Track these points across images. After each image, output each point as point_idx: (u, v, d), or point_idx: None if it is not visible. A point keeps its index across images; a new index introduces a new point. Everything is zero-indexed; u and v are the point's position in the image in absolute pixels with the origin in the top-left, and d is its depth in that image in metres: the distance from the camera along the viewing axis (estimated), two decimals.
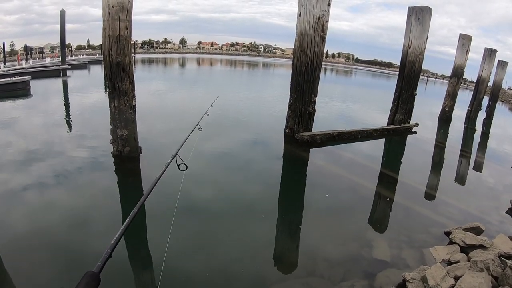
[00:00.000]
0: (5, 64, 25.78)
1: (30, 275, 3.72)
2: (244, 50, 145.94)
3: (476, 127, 18.25)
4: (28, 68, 24.72)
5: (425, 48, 12.73)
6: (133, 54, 7.96)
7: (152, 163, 7.42)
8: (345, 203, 6.51)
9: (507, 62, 23.94)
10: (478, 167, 10.36)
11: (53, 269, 3.86)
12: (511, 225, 6.03)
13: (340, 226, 5.61)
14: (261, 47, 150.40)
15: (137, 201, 2.22)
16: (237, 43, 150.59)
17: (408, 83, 12.85)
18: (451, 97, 17.68)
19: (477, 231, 5.13)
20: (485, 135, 16.67)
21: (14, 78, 16.91)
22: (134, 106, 7.22)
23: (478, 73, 20.68)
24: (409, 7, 12.55)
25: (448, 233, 5.17)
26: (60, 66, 26.96)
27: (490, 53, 19.98)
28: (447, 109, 17.74)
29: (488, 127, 19.25)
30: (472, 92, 21.65)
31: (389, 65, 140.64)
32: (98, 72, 32.22)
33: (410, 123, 13.29)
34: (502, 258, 4.12)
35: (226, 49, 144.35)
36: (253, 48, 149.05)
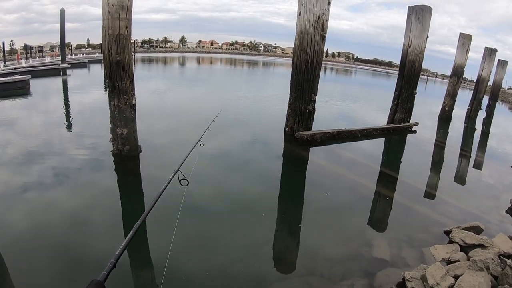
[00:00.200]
0: (5, 63, 25.77)
1: (30, 275, 3.72)
2: (244, 49, 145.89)
3: (476, 126, 18.24)
4: (28, 67, 24.73)
5: (425, 47, 12.71)
6: (132, 53, 7.95)
7: (152, 162, 7.42)
8: (345, 202, 6.51)
9: (507, 62, 23.96)
10: (478, 166, 10.36)
11: (53, 269, 3.86)
12: (511, 224, 6.03)
13: (340, 225, 5.61)
14: (261, 46, 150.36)
15: (139, 210, 2.21)
16: (237, 42, 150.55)
17: (408, 82, 12.83)
18: (451, 96, 17.68)
19: (477, 230, 5.13)
20: (485, 134, 16.67)
21: (14, 77, 16.91)
22: (134, 105, 7.21)
23: (478, 73, 20.69)
24: (409, 6, 12.54)
25: (448, 232, 5.17)
26: (60, 65, 26.97)
27: (490, 53, 19.97)
28: (447, 108, 17.74)
29: (488, 126, 19.24)
30: (472, 91, 21.64)
31: (389, 64, 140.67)
32: (98, 71, 32.23)
33: (410, 122, 13.28)
34: (502, 257, 4.13)
35: (226, 48, 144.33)
36: (253, 47, 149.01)
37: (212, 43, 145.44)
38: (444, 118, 17.52)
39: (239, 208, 5.86)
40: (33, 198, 5.57)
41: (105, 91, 16.92)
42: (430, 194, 7.38)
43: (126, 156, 7.29)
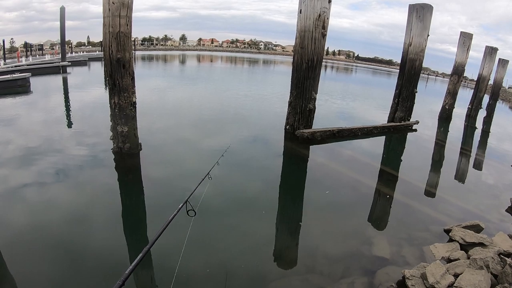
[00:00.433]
0: (5, 61, 25.70)
1: (31, 273, 3.73)
2: (245, 47, 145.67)
3: (476, 125, 18.22)
4: (28, 65, 24.70)
5: (425, 46, 12.70)
6: (133, 51, 7.94)
7: (153, 160, 7.43)
8: (345, 200, 6.52)
9: (508, 61, 23.96)
10: (478, 165, 10.36)
11: (53, 268, 3.87)
12: (510, 223, 6.04)
13: (340, 223, 5.62)
14: (261, 44, 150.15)
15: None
16: (237, 40, 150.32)
17: (409, 80, 12.83)
18: (452, 95, 17.66)
19: (477, 229, 5.14)
20: (485, 133, 16.65)
21: (14, 75, 16.90)
22: (135, 102, 7.22)
23: (478, 71, 20.66)
24: (410, 5, 12.52)
25: (448, 231, 5.18)
26: (60, 63, 26.91)
27: (490, 52, 19.95)
28: (447, 107, 17.72)
29: (488, 125, 19.22)
30: (473, 90, 21.61)
31: (389, 62, 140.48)
32: (98, 69, 32.20)
33: (411, 120, 13.29)
34: (502, 256, 4.13)
35: (227, 46, 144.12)
36: (253, 45, 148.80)
37: (212, 41, 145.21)
38: (445, 117, 17.50)
39: (240, 205, 5.88)
40: (33, 196, 5.58)
41: (106, 89, 16.94)
42: (430, 192, 7.39)
43: (127, 154, 7.30)
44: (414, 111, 13.39)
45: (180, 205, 2.59)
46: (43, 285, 3.61)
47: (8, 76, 16.76)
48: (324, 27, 9.31)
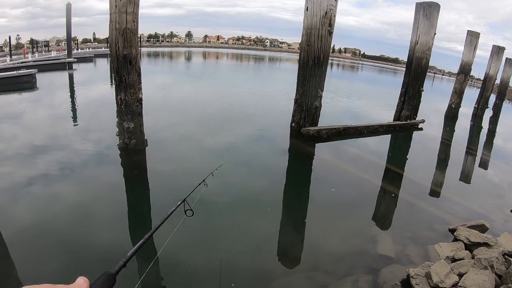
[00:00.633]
0: (11, 57, 25.85)
1: (36, 267, 3.77)
2: (250, 44, 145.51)
3: (482, 125, 18.11)
4: (34, 61, 24.79)
5: (432, 44, 12.64)
6: (139, 48, 7.97)
7: (158, 156, 7.46)
8: (350, 198, 6.52)
9: None
10: (484, 165, 10.31)
11: (58, 261, 3.90)
12: None
13: (344, 221, 5.62)
14: (267, 41, 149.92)
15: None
16: (243, 37, 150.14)
17: (415, 79, 12.78)
18: (458, 94, 17.56)
19: (482, 229, 5.12)
20: (492, 133, 16.55)
21: (20, 71, 16.98)
22: (141, 99, 7.24)
23: (485, 71, 20.51)
24: (417, 3, 12.45)
25: (452, 230, 5.17)
26: (66, 59, 27.04)
27: (498, 51, 19.79)
28: (453, 106, 17.63)
29: (495, 125, 19.10)
30: (479, 89, 21.47)
31: (395, 61, 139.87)
32: (104, 66, 32.31)
33: (416, 119, 13.23)
34: (506, 257, 4.12)
35: (232, 43, 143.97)
36: (259, 42, 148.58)
37: (218, 38, 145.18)
38: (451, 116, 17.41)
39: (245, 202, 5.89)
40: (39, 191, 5.62)
41: (111, 85, 17.00)
42: (435, 191, 7.37)
43: (132, 150, 7.33)
44: (420, 110, 13.34)
45: (178, 203, 2.57)
46: (48, 276, 3.65)
47: (15, 72, 16.86)
48: (331, 25, 9.29)
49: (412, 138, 12.25)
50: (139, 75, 7.16)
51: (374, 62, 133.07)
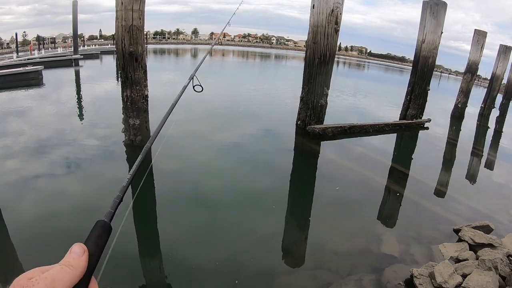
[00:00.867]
0: (17, 54, 25.95)
1: (41, 259, 3.80)
2: (257, 41, 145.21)
3: (489, 124, 17.98)
4: (40, 58, 24.90)
5: (439, 43, 12.55)
6: (145, 45, 7.99)
7: (164, 153, 7.48)
8: (355, 197, 6.52)
9: None
10: (490, 165, 10.26)
11: (62, 253, 3.93)
12: None
13: (349, 220, 5.63)
14: (273, 39, 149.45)
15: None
16: (249, 35, 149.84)
17: (422, 78, 12.71)
18: (465, 93, 17.44)
19: (487, 229, 5.10)
20: (498, 133, 16.43)
21: (26, 68, 17.07)
22: (147, 96, 7.28)
23: (492, 70, 20.33)
24: (424, 1, 12.35)
25: (457, 231, 5.15)
26: (72, 56, 27.12)
27: (505, 50, 19.60)
28: (460, 106, 17.51)
29: (501, 125, 18.94)
30: (486, 89, 21.30)
31: (402, 59, 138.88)
32: (110, 62, 32.41)
33: (423, 118, 13.16)
34: (511, 258, 4.10)
35: (239, 41, 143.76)
36: (265, 39, 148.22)
37: (224, 35, 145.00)
38: (457, 116, 17.30)
39: (250, 200, 5.92)
40: (45, 186, 5.68)
41: (117, 82, 17.06)
42: (440, 191, 7.34)
43: (138, 147, 7.36)
44: (426, 109, 13.26)
45: (187, 82, 2.35)
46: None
47: (21, 69, 16.94)
48: (337, 23, 9.25)
49: (418, 137, 12.19)
50: (145, 72, 7.19)
51: (380, 60, 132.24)
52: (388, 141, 11.27)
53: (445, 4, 12.09)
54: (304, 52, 10.46)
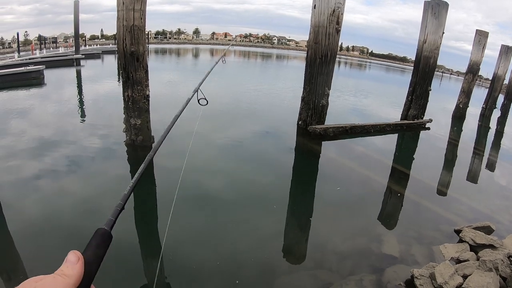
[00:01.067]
0: (19, 53, 25.99)
1: (41, 260, 3.81)
2: (258, 41, 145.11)
3: (490, 125, 17.94)
4: (42, 57, 24.94)
5: (440, 43, 12.53)
6: (146, 45, 8.00)
7: (165, 152, 7.48)
8: (356, 197, 6.52)
9: None
10: (491, 166, 10.24)
11: (64, 252, 3.94)
12: None
13: (350, 220, 5.63)
14: (274, 39, 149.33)
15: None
16: (251, 35, 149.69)
17: (423, 78, 12.69)
18: (466, 94, 17.40)
19: (488, 230, 5.09)
20: (499, 133, 16.39)
21: (28, 67, 17.09)
22: (148, 95, 7.28)
23: (494, 70, 20.29)
24: (425, 1, 12.33)
25: (458, 231, 5.14)
26: (74, 55, 27.14)
27: (506, 51, 19.53)
28: (461, 106, 17.47)
29: (503, 125, 18.89)
30: (487, 89, 21.26)
31: (403, 59, 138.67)
32: (111, 62, 32.42)
33: (424, 119, 13.14)
34: (511, 259, 4.10)
35: (240, 41, 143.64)
36: (267, 39, 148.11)
37: (226, 35, 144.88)
38: (458, 116, 17.26)
39: (251, 199, 5.94)
40: (47, 185, 5.70)
41: (119, 81, 17.07)
42: (441, 192, 7.34)
43: (139, 146, 7.38)
44: (427, 109, 13.24)
45: (192, 95, 2.40)
46: (55, 264, 3.69)
47: (23, 68, 16.97)
48: (338, 23, 9.25)
49: (419, 138, 12.18)
50: (146, 72, 7.20)
51: (381, 61, 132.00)
52: (389, 141, 11.26)
53: (446, 4, 12.07)
54: (306, 52, 10.46)
